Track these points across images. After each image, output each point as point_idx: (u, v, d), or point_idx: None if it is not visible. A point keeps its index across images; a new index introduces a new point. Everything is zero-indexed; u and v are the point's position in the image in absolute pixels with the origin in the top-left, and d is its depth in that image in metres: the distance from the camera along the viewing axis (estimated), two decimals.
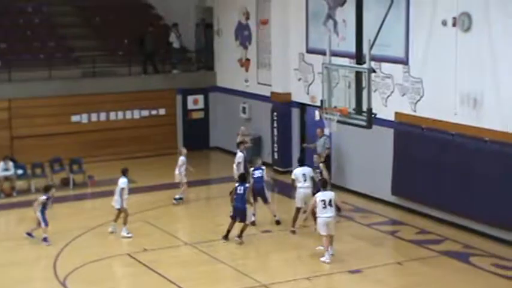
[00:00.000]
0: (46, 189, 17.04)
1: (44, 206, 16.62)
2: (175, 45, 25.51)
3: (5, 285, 14.47)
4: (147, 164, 23.83)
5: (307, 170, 17.20)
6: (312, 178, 17.11)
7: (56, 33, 25.36)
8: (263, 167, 17.81)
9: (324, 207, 15.12)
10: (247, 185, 16.54)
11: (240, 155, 19.08)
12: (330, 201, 15.16)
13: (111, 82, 24.46)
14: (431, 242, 16.53)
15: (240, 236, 16.26)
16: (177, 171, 19.54)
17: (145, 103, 24.91)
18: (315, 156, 18.13)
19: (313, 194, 16.20)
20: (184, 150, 19.96)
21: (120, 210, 17.08)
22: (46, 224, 16.55)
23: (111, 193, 20.58)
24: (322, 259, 15.12)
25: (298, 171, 17.17)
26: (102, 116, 24.50)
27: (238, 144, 19.76)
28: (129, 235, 16.90)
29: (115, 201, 17.10)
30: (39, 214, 16.54)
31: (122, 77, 24.75)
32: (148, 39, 24.91)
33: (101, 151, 23.97)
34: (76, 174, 21.64)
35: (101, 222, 17.85)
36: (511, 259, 15.37)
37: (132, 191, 21.09)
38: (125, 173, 17.44)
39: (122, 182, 17.13)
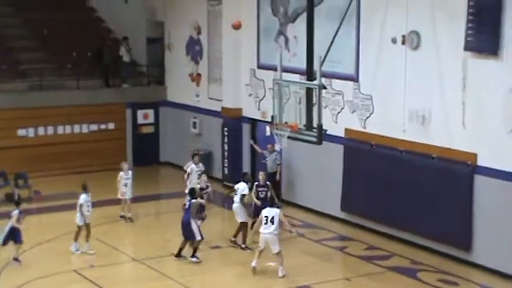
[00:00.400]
0: (17, 203, 16.67)
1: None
2: (126, 59, 25.34)
3: None
4: (96, 179, 23.44)
5: (241, 185, 17.33)
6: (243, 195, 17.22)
7: (2, 45, 24.92)
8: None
9: (266, 223, 15.27)
10: (193, 200, 16.31)
11: (192, 166, 19.09)
12: (273, 218, 15.25)
13: (59, 95, 24.11)
14: (379, 257, 16.64)
15: (193, 255, 16.04)
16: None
17: (94, 117, 24.62)
18: (261, 173, 17.98)
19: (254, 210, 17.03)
20: (125, 166, 19.68)
21: (79, 228, 16.70)
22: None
23: (57, 208, 20.36)
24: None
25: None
26: (50, 130, 24.12)
27: (193, 156, 19.77)
28: (92, 251, 16.60)
29: (76, 218, 16.80)
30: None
31: (70, 90, 24.43)
32: (106, 52, 24.73)
33: (48, 165, 23.57)
34: (21, 189, 21.21)
35: (47, 238, 17.54)
36: (457, 274, 15.58)
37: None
38: (85, 188, 17.10)
39: (82, 197, 16.82)
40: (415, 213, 16.88)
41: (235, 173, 22.14)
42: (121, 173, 19.33)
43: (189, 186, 18.43)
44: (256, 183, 17.48)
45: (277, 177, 20.10)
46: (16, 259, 15.90)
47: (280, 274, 15.23)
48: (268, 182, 17.53)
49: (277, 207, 15.70)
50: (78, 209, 16.69)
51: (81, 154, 24.22)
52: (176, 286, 14.94)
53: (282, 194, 20.65)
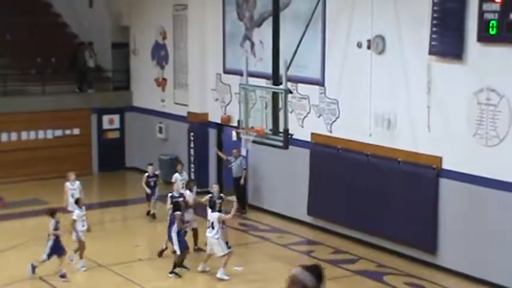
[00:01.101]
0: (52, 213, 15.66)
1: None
2: (90, 64, 25.14)
3: None
4: (60, 185, 23.16)
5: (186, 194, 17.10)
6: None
7: None
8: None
9: (208, 227, 15.54)
10: (177, 213, 15.87)
11: (175, 176, 18.93)
12: (213, 222, 15.38)
13: (23, 101, 23.83)
14: (346, 261, 16.69)
15: (171, 271, 15.59)
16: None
17: (59, 123, 24.35)
18: (214, 185, 17.49)
19: None
20: (72, 176, 18.88)
21: (79, 243, 15.99)
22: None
23: (22, 215, 20.09)
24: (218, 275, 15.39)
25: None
26: (14, 136, 23.82)
27: (176, 164, 19.95)
28: (83, 268, 15.92)
29: (72, 235, 16.01)
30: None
31: (34, 95, 24.15)
32: (81, 55, 24.55)
33: (12, 171, 23.25)
34: None
35: (12, 245, 17.27)
36: (423, 277, 15.68)
37: (43, 213, 20.58)
38: (77, 202, 16.34)
39: (75, 213, 16.07)
40: (381, 216, 16.96)
41: (202, 178, 22.11)
42: (66, 183, 18.69)
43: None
44: (210, 195, 16.78)
45: (242, 181, 20.08)
46: (63, 276, 15.33)
47: (218, 275, 15.24)
48: (222, 194, 17.00)
49: (219, 211, 15.77)
50: (72, 225, 15.88)
51: (46, 160, 23.95)
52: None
53: (247, 198, 20.65)
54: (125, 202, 22.01)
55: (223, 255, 15.34)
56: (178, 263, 15.50)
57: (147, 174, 19.87)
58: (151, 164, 20.15)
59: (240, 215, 19.49)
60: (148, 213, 19.78)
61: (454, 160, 15.65)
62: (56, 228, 15.38)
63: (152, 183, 19.72)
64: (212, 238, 15.43)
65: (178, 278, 15.46)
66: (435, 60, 15.76)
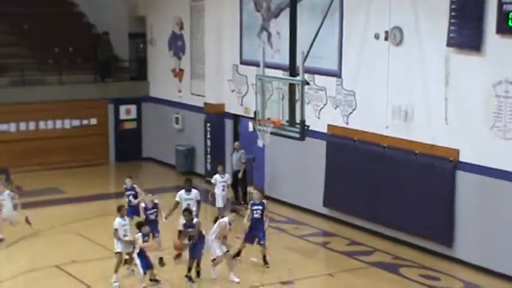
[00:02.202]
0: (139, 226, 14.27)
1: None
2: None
3: None
4: (78, 174, 23.44)
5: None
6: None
7: None
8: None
9: None
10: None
11: (215, 177, 17.85)
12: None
13: (40, 91, 23.96)
14: (361, 253, 16.68)
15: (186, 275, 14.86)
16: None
17: (76, 112, 24.49)
18: (255, 192, 16.37)
19: None
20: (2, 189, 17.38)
21: (119, 255, 14.72)
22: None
23: (38, 204, 20.23)
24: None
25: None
26: (31, 125, 23.99)
27: (217, 165, 18.42)
28: (116, 284, 14.54)
29: (114, 244, 14.86)
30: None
31: (52, 85, 24.26)
32: (103, 46, 24.64)
33: (29, 161, 23.44)
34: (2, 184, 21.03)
35: (29, 233, 17.40)
36: (439, 270, 15.65)
37: (61, 201, 20.75)
38: (120, 210, 14.94)
39: (116, 221, 14.82)
40: (398, 209, 16.93)
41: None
42: (7, 192, 17.28)
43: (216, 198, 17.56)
44: (251, 201, 16.04)
45: (240, 175, 20.09)
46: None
47: (213, 276, 14.93)
48: (264, 200, 15.85)
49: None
50: (113, 234, 14.80)
51: (63, 150, 24.09)
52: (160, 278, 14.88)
53: (265, 189, 20.68)
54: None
55: (214, 259, 14.80)
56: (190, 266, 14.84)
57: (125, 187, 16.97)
58: (130, 177, 16.97)
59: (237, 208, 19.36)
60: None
61: (471, 153, 15.58)
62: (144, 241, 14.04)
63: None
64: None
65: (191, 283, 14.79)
66: (453, 52, 15.68)
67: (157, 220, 15.49)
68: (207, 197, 18.14)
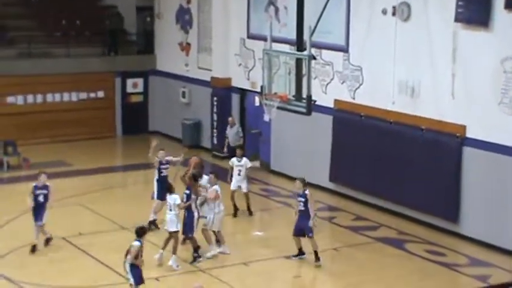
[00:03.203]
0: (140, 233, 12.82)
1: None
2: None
3: None
4: (84, 147, 23.50)
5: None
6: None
7: None
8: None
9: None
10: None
11: (233, 160, 17.35)
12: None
13: (48, 63, 23.96)
14: (367, 228, 16.74)
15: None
16: None
17: (83, 85, 24.51)
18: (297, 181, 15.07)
19: None
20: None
21: (171, 234, 14.37)
22: None
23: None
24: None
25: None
26: (39, 98, 24.03)
27: (235, 149, 17.93)
28: (178, 268, 14.30)
29: (169, 222, 14.33)
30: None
31: (59, 58, 24.26)
32: (114, 19, 24.58)
33: (36, 133, 23.53)
34: (10, 156, 21.17)
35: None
36: (444, 245, 15.70)
37: (68, 174, 20.84)
38: (170, 189, 14.53)
39: (174, 197, 14.34)
40: (403, 184, 16.95)
41: (224, 143, 22.16)
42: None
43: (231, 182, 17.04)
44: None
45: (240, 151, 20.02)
46: None
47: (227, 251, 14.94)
48: (306, 190, 14.73)
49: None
50: (171, 210, 14.29)
51: (70, 122, 24.15)
52: (164, 254, 14.96)
53: (270, 164, 20.72)
54: (147, 165, 22.09)
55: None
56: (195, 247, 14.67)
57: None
58: (163, 150, 16.60)
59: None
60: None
61: (478, 129, 15.55)
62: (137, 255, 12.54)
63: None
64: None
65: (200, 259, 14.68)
66: (461, 28, 15.59)
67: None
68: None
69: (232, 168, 17.30)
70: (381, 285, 13.95)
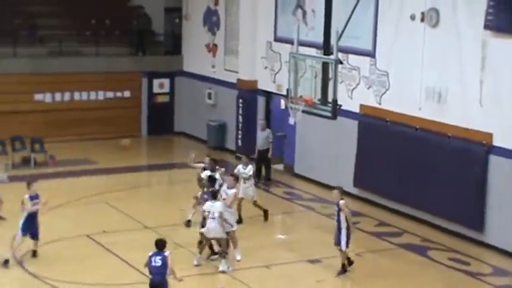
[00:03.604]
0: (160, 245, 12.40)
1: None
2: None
3: None
4: (110, 146, 23.66)
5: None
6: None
7: (22, 10, 24.95)
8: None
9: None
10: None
11: (238, 167, 17.05)
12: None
13: (77, 62, 24.19)
14: (390, 234, 16.68)
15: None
16: None
17: (110, 84, 24.69)
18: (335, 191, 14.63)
19: None
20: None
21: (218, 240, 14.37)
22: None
23: (71, 173, 20.52)
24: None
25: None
26: (66, 96, 24.25)
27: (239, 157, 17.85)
28: (229, 269, 14.33)
29: (214, 230, 14.17)
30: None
31: (88, 57, 24.47)
32: (141, 19, 24.72)
33: (63, 131, 23.73)
34: (37, 153, 21.39)
35: (60, 203, 17.67)
36: (468, 254, 15.59)
37: (93, 172, 21.01)
38: (214, 196, 14.42)
39: (217, 205, 14.20)
40: (428, 191, 16.86)
41: (249, 145, 22.23)
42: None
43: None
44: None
45: (269, 155, 20.06)
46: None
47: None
48: (340, 200, 14.31)
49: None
50: (211, 218, 14.15)
51: (97, 121, 24.34)
52: (187, 254, 15.04)
53: (294, 168, 20.73)
54: (171, 166, 22.28)
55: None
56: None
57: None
58: (208, 156, 16.99)
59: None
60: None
61: (505, 137, 15.43)
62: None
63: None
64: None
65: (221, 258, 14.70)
66: (490, 35, 15.49)
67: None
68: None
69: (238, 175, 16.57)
70: None
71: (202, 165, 16.56)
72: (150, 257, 12.06)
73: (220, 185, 15.48)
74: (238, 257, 14.77)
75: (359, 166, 18.70)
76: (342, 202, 14.20)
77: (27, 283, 13.72)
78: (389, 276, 14.50)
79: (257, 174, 20.12)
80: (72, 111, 24.10)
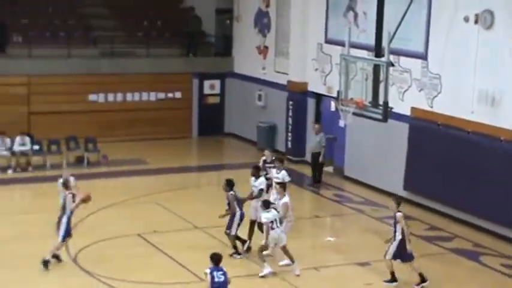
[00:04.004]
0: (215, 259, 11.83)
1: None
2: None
3: (15, 258, 14.62)
4: (161, 146, 23.92)
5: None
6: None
7: (76, 12, 25.42)
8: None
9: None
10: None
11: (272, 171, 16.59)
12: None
13: (129, 63, 24.52)
14: (441, 239, 16.52)
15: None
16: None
17: (162, 86, 24.96)
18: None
19: None
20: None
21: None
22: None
23: (123, 173, 20.81)
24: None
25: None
26: (119, 97, 24.60)
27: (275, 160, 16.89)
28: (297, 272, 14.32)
29: (281, 238, 14.05)
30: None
31: (140, 58, 24.79)
32: (192, 21, 24.98)
33: (115, 131, 24.09)
34: (91, 152, 21.77)
35: (112, 202, 17.95)
36: None
37: (145, 172, 21.29)
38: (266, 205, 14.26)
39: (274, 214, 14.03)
40: (480, 195, 16.64)
41: (298, 148, 22.27)
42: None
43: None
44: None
45: (321, 159, 20.02)
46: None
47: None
48: (398, 212, 13.93)
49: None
50: (276, 227, 14.01)
51: (148, 122, 24.63)
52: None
53: (344, 170, 20.67)
54: (221, 166, 22.43)
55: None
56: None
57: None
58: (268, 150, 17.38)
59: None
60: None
61: None
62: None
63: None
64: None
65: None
66: None
67: None
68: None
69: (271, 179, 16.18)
70: None
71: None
72: (211, 272, 11.45)
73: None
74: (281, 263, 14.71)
75: (409, 169, 18.56)
76: (398, 214, 13.85)
77: (79, 279, 13.96)
78: (440, 282, 14.33)
79: (313, 177, 20.15)
80: (124, 111, 24.44)
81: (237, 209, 14.89)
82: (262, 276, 14.12)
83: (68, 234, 14.36)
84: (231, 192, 14.99)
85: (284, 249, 14.24)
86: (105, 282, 13.72)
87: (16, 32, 23.97)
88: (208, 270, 11.48)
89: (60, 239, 14.28)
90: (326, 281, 14.29)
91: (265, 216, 14.15)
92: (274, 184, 15.85)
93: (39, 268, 14.05)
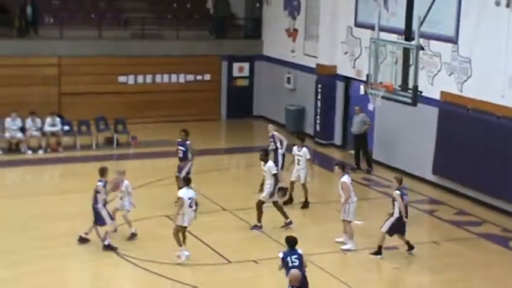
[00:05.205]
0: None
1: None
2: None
3: (49, 237, 14.86)
4: (190, 128, 23.77)
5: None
6: None
7: None
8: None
9: None
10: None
11: (293, 148, 17.12)
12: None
13: (158, 45, 24.65)
14: (469, 223, 16.47)
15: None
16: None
17: (191, 68, 25.06)
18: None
19: None
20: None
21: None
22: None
23: (152, 154, 20.97)
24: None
25: None
26: (148, 78, 24.76)
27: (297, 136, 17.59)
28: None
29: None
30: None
31: (169, 40, 24.88)
32: (221, 3, 25.01)
33: (145, 112, 24.25)
34: (120, 134, 21.97)
35: (142, 183, 18.11)
36: None
37: (172, 154, 21.44)
38: (187, 181, 14.45)
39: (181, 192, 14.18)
40: (509, 180, 16.54)
41: (327, 131, 22.26)
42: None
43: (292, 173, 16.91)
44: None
45: (367, 140, 19.96)
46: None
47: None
48: (395, 192, 14.51)
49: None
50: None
51: (177, 103, 24.76)
52: (264, 237, 15.23)
53: (372, 154, 20.64)
54: (250, 149, 22.47)
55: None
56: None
57: None
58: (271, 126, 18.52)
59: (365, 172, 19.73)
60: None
61: None
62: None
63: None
64: None
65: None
66: None
67: None
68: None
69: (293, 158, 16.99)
70: (489, 283, 13.67)
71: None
72: (284, 257, 10.69)
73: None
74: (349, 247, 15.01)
75: (438, 154, 18.49)
76: (396, 193, 14.39)
77: (110, 261, 14.15)
78: (469, 266, 14.34)
79: (356, 161, 20.10)
80: (153, 93, 24.60)
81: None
82: None
83: (111, 217, 14.54)
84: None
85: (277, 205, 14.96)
86: (135, 264, 13.89)
87: (48, 13, 24.20)
88: (281, 254, 10.75)
89: (108, 223, 14.41)
90: (353, 265, 14.35)
91: (183, 193, 13.89)
92: (295, 159, 16.80)
93: (70, 248, 14.27)
